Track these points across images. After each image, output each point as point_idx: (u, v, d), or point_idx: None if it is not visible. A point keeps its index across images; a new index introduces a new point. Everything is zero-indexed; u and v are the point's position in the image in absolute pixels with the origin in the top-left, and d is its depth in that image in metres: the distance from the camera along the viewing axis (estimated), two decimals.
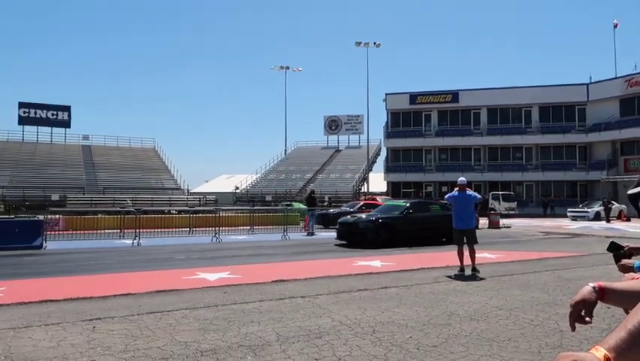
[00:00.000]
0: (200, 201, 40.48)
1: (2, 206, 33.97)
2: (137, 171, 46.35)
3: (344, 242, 14.88)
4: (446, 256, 10.30)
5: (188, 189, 44.88)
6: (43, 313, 5.72)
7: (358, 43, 44.26)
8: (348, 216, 16.77)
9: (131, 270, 9.49)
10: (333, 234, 19.05)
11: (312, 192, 23.33)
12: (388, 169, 45.88)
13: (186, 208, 30.89)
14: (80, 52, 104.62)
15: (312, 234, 19.17)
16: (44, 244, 13.47)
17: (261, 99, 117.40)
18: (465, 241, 8.94)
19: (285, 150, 59.06)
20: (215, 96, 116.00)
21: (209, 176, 68.00)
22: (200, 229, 18.65)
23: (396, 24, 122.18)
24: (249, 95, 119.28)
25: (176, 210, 29.90)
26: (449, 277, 8.49)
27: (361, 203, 25.90)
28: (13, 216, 18.13)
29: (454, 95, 44.84)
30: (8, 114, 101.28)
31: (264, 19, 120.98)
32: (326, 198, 38.91)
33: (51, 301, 6.31)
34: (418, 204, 16.84)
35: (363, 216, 15.86)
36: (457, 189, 9.18)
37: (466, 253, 8.87)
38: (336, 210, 24.57)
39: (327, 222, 22.64)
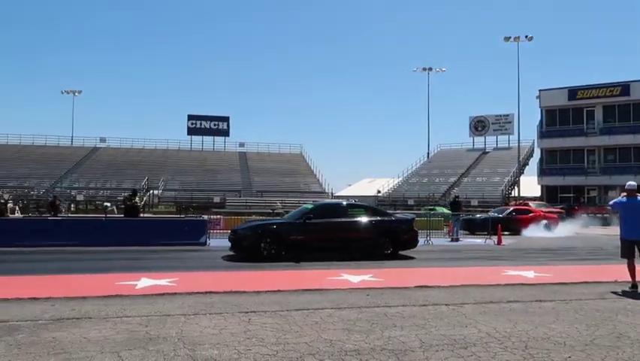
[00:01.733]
0: None
1: (174, 207, 38.87)
2: (286, 176, 49.37)
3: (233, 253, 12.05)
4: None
5: (332, 193, 46.46)
6: (207, 303, 6.40)
7: (507, 39, 41.63)
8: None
9: (280, 268, 10.13)
10: (479, 240, 18.15)
11: (457, 196, 22.50)
12: (542, 172, 42.23)
13: None
14: (236, 66, 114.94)
15: (457, 240, 18.47)
16: (208, 241, 15.06)
17: (404, 102, 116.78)
18: (637, 254, 7.83)
19: (428, 152, 57.92)
20: (358, 101, 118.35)
21: (351, 180, 69.57)
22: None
23: (547, 14, 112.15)
24: (392, 98, 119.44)
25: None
26: (618, 293, 7.52)
27: (511, 208, 24.23)
28: (183, 216, 20.57)
29: (624, 88, 39.59)
30: (179, 125, 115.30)
31: (404, 22, 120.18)
32: (472, 203, 37.17)
33: (214, 292, 7.03)
34: (327, 207, 13.30)
35: (253, 222, 13.39)
36: (626, 194, 8.07)
37: (639, 268, 7.76)
38: (483, 215, 23.33)
39: (473, 228, 21.64)
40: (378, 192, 46.71)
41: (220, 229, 18.59)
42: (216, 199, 39.22)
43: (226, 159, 54.00)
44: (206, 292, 7.02)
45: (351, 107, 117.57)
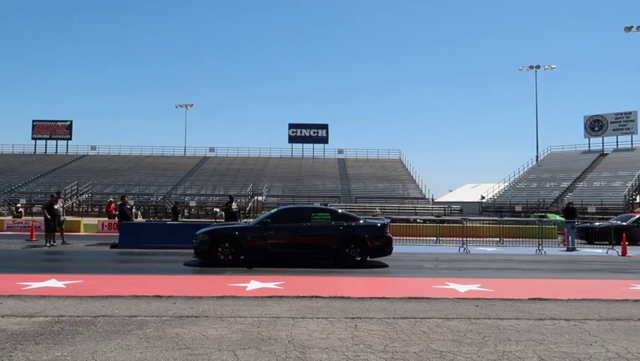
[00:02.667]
0: (445, 210, 40.38)
1: None
2: (384, 181, 49.06)
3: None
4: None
5: (432, 199, 45.31)
6: (314, 307, 6.53)
7: (628, 29, 37.79)
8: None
9: (383, 275, 10.06)
10: (599, 251, 16.61)
11: (571, 202, 20.79)
12: None
13: (432, 217, 31.19)
14: (335, 73, 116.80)
15: (573, 249, 17.05)
16: None
17: (509, 103, 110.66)
18: None
19: (537, 156, 54.30)
20: (458, 103, 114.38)
21: (453, 185, 67.54)
22: (447, 238, 18.58)
23: None
24: (496, 100, 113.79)
25: (421, 219, 30.47)
26: None
27: (637, 216, 21.89)
28: None
29: None
30: (281, 133, 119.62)
31: (508, 18, 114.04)
32: (589, 210, 34.13)
33: (320, 297, 7.16)
34: (288, 212, 12.61)
35: (211, 227, 12.46)
36: None
37: None
38: (604, 223, 21.30)
39: (591, 237, 19.89)
40: (482, 197, 44.64)
41: None
42: (316, 205, 40.05)
43: (326, 165, 55.03)
44: (312, 296, 7.17)
45: (452, 110, 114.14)
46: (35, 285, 7.89)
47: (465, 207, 41.66)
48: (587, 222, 22.88)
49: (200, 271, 10.30)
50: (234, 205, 18.75)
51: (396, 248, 15.70)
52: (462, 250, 15.84)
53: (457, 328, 5.52)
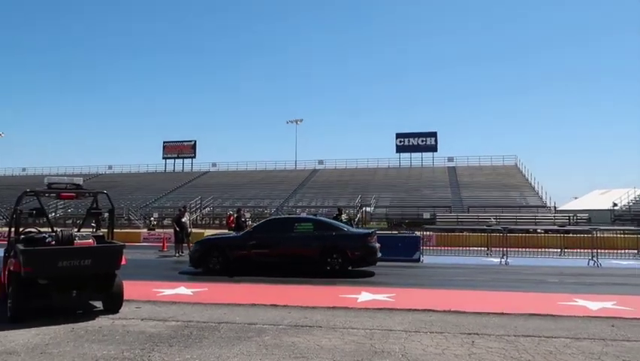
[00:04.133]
0: (569, 219, 37.08)
1: (386, 223, 40.07)
2: (499, 189, 46.44)
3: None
4: None
5: (555, 207, 41.85)
6: (427, 321, 6.38)
7: None
8: None
9: (501, 289, 9.50)
10: None
11: None
12: None
13: (554, 227, 28.84)
14: (446, 79, 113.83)
15: None
16: (421, 258, 15.06)
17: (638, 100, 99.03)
18: None
19: None
20: (583, 102, 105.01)
21: (578, 192, 61.82)
22: (573, 250, 17.03)
23: None
24: (624, 97, 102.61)
25: (542, 229, 28.33)
26: None
27: None
28: (397, 233, 21.03)
29: None
30: (389, 143, 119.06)
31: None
32: None
33: (433, 310, 6.97)
34: (273, 222, 13.06)
35: (207, 237, 12.73)
36: None
37: None
38: None
39: None
40: (614, 205, 40.25)
41: (432, 246, 18.46)
42: (426, 215, 39.06)
43: (435, 174, 53.53)
44: (425, 310, 7.00)
45: (574, 109, 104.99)
46: (167, 292, 8.68)
47: (593, 216, 37.85)
48: None
49: (309, 282, 10.57)
50: (344, 216, 19.03)
51: (514, 261, 14.85)
52: (591, 263, 14.42)
53: (590, 349, 5.04)
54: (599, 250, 15.14)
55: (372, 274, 11.62)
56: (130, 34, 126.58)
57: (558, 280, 11.19)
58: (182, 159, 65.24)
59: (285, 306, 7.31)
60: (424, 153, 57.88)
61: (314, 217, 14.26)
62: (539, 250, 17.46)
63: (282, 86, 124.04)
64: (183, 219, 17.33)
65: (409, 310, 7.06)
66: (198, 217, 42.79)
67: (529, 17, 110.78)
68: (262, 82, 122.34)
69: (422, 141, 57.83)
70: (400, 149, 58.32)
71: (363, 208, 41.17)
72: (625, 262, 15.30)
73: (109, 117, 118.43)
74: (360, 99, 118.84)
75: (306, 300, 7.83)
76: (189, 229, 17.64)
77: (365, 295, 8.26)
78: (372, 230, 13.10)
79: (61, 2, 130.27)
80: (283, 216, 18.34)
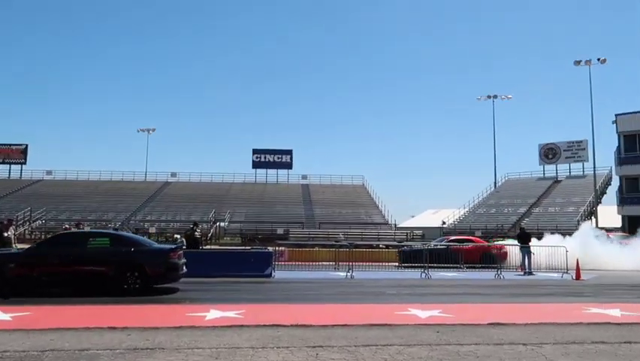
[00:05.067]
0: (407, 235, 40.84)
1: (240, 238, 39.79)
2: (348, 207, 49.32)
3: None
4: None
5: (395, 224, 45.77)
6: (274, 336, 6.41)
7: (578, 62, 40.09)
8: None
9: (346, 301, 10.01)
10: (555, 275, 17.06)
11: (522, 228, 21.44)
12: (623, 201, 39.60)
13: (394, 243, 31.50)
14: (301, 107, 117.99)
15: (530, 273, 17.50)
16: (273, 273, 15.21)
17: (467, 131, 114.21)
18: None
19: (495, 182, 55.97)
20: (421, 131, 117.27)
21: (414, 211, 68.28)
22: (409, 264, 18.71)
23: (620, 37, 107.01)
24: (455, 128, 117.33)
25: (384, 245, 30.74)
26: None
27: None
28: (249, 248, 20.98)
29: None
30: (245, 159, 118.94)
31: (465, 50, 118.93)
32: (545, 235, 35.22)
33: (281, 325, 7.03)
34: (63, 237, 12.33)
35: None
36: None
37: None
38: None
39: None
40: (443, 223, 45.47)
41: (284, 261, 18.78)
42: (280, 231, 39.77)
43: (289, 191, 54.90)
44: (273, 325, 7.03)
45: (413, 137, 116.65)
46: None
47: (427, 233, 42.24)
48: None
49: (157, 300, 9.97)
50: (198, 232, 18.40)
51: (359, 274, 15.80)
52: (423, 275, 15.99)
53: (419, 354, 5.52)
54: (429, 264, 16.82)
55: (175, 291, 11.30)
56: None
57: (395, 291, 12.17)
58: (8, 165, 57.27)
59: (124, 328, 6.74)
60: (279, 170, 59.04)
61: (110, 232, 13.49)
62: (381, 264, 18.86)
63: (132, 90, 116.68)
64: (6, 234, 15.11)
65: (258, 326, 7.03)
66: (27, 231, 37.82)
67: (381, 40, 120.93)
68: (110, 85, 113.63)
69: (278, 157, 58.97)
70: (257, 165, 58.72)
71: (217, 223, 40.36)
72: (450, 274, 17.23)
73: None
74: (217, 112, 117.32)
75: (149, 320, 7.35)
76: (14, 245, 15.43)
77: (213, 313, 8.02)
78: (177, 245, 12.74)
79: None
80: (74, 231, 16.43)
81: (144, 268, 10.65)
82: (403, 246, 22.92)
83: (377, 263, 18.88)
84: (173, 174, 58.44)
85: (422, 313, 8.27)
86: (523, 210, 45.45)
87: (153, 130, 63.63)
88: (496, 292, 12.49)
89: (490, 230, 40.36)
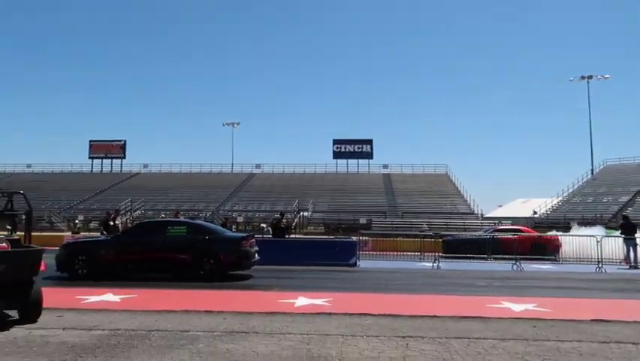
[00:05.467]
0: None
1: (323, 228, 40.39)
2: (431, 197, 48.22)
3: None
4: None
5: (482, 214, 44.04)
6: (363, 324, 6.43)
7: None
8: None
9: (434, 292, 9.81)
10: None
11: (625, 216, 19.64)
12: None
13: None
14: (383, 88, 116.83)
15: (636, 267, 16.07)
16: (358, 262, 15.27)
17: (559, 115, 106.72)
18: None
19: (592, 169, 51.88)
20: (509, 116, 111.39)
21: (502, 200, 65.13)
22: (499, 255, 17.91)
23: None
24: (545, 112, 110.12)
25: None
26: None
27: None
28: (334, 238, 21.23)
29: None
30: (326, 149, 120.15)
31: (558, 28, 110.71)
32: None
33: (369, 314, 7.04)
34: (146, 225, 13.00)
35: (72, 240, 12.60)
36: None
37: None
38: None
39: None
40: (534, 213, 42.99)
41: (368, 251, 18.76)
42: (362, 221, 39.77)
43: (371, 180, 54.70)
44: (361, 314, 7.06)
45: (500, 123, 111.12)
46: (93, 299, 8.20)
47: (516, 223, 40.19)
48: None
49: (247, 286, 10.41)
50: (284, 222, 18.99)
51: (446, 265, 15.41)
52: (515, 267, 15.25)
53: (515, 349, 5.28)
54: (521, 256, 16.02)
55: (249, 277, 11.63)
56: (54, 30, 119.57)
57: (486, 283, 11.72)
58: (110, 160, 62.28)
59: (220, 312, 7.11)
60: (360, 160, 59.00)
61: (187, 220, 14.14)
62: (469, 255, 18.22)
63: (218, 87, 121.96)
64: (116, 222, 16.46)
65: (346, 314, 7.09)
66: (128, 220, 41.01)
67: (458, 25, 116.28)
68: (197, 82, 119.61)
69: (358, 147, 58.93)
70: (337, 155, 59.07)
71: (301, 213, 41.20)
72: (545, 266, 16.30)
73: (28, 115, 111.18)
74: (299, 104, 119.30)
75: (243, 305, 7.67)
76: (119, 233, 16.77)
77: (302, 300, 8.22)
78: (248, 234, 13.24)
79: None
80: (155, 219, 18.35)
81: (218, 256, 11.14)
82: (448, 235, 22.04)
83: (464, 254, 18.25)
84: (258, 166, 60.50)
85: (516, 306, 7.90)
86: (625, 198, 41.76)
87: (238, 124, 66.28)
88: (596, 286, 11.61)
89: (587, 220, 37.57)
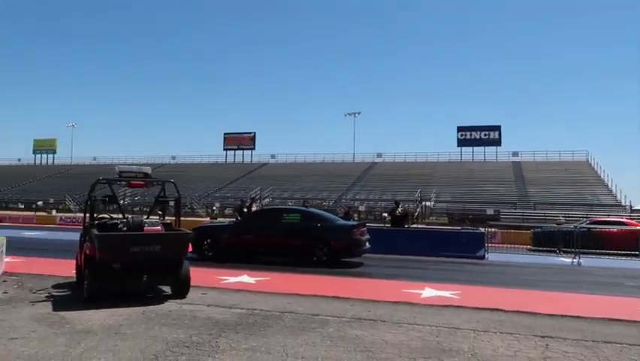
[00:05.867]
0: None
1: (447, 218, 39.16)
2: (568, 186, 44.12)
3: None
4: None
5: (630, 206, 39.23)
6: (496, 320, 6.11)
7: None
8: None
9: (575, 291, 8.96)
10: None
11: None
12: None
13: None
14: (511, 72, 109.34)
15: None
16: (486, 255, 14.54)
17: None
18: None
19: None
20: None
21: None
22: (594, 250, 15.79)
23: None
24: None
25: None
26: None
27: None
28: (459, 228, 20.47)
29: None
30: (449, 137, 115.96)
31: None
32: None
33: (501, 310, 6.67)
34: (263, 212, 14.65)
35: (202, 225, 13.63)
36: None
37: None
38: None
39: None
40: None
41: (497, 243, 17.74)
42: (489, 211, 37.74)
43: (498, 169, 51.62)
44: (494, 309, 6.72)
45: None
46: (231, 279, 8.88)
47: None
48: None
49: (376, 274, 10.47)
50: (399, 210, 18.83)
51: (587, 261, 13.96)
52: None
53: None
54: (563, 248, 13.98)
55: (359, 265, 11.84)
56: (199, 40, 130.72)
57: (635, 283, 10.42)
58: (242, 151, 66.67)
59: (347, 298, 7.26)
60: (486, 148, 55.95)
61: (301, 208, 14.55)
62: (613, 251, 16.35)
63: (339, 78, 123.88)
64: (252, 209, 17.62)
65: (476, 308, 6.80)
66: (258, 208, 43.68)
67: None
68: (318, 75, 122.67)
69: (485, 134, 55.95)
70: (462, 142, 56.71)
71: (423, 203, 40.40)
72: None
73: (172, 114, 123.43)
74: (420, 92, 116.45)
75: (369, 293, 7.74)
76: None
77: (429, 291, 8.07)
78: (359, 222, 13.26)
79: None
80: (272, 207, 19.55)
81: (329, 242, 11.48)
82: (538, 227, 19.69)
83: (608, 250, 16.35)
84: (379, 155, 60.46)
85: None
86: None
87: (359, 113, 66.76)
88: None
89: None
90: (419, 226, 30.77)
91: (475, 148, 56.48)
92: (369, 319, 6.02)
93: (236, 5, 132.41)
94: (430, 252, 14.27)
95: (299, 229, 11.80)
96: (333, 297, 7.34)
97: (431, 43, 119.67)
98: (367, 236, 12.19)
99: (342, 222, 13.25)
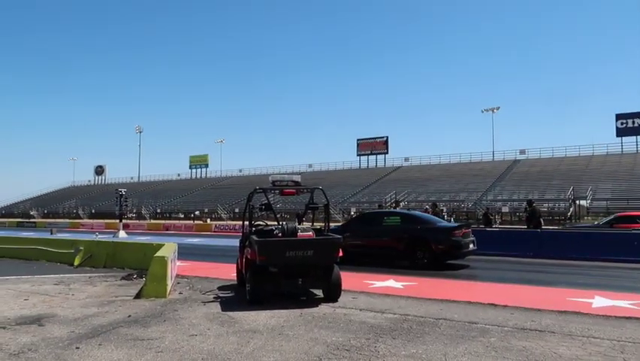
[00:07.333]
0: None
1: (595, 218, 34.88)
2: None
3: None
4: None
5: None
6: None
7: None
8: None
9: None
10: None
11: None
12: None
13: None
14: None
15: None
16: None
17: None
18: None
19: None
20: None
21: None
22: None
23: None
24: None
25: None
26: None
27: None
28: (630, 230, 18.13)
29: None
30: (606, 127, 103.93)
31: None
32: None
33: None
34: (366, 216, 14.40)
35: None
36: None
37: None
38: None
39: None
40: None
41: None
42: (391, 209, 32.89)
43: None
44: None
45: None
46: (378, 284, 8.90)
47: None
48: None
49: (530, 281, 9.68)
50: (529, 210, 17.74)
51: None
52: None
53: None
54: None
55: (465, 267, 11.68)
56: (324, 47, 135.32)
57: None
58: (375, 155, 67.06)
59: (505, 306, 6.79)
60: None
61: (401, 211, 14.49)
62: None
63: (475, 73, 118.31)
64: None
65: None
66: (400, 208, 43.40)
67: None
68: (452, 70, 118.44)
69: None
70: (622, 132, 50.39)
71: (577, 202, 36.63)
72: None
73: (307, 125, 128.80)
74: (563, 84, 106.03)
75: (527, 301, 7.15)
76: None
77: (599, 300, 7.21)
78: (462, 224, 13.05)
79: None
80: (374, 211, 20.00)
81: (430, 245, 11.37)
82: None
83: None
84: (522, 152, 56.38)
85: None
86: None
87: (497, 109, 63.00)
88: None
89: None
90: (550, 227, 27.87)
91: (639, 137, 49.75)
92: (534, 329, 5.55)
93: (375, 10, 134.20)
94: (593, 255, 12.89)
95: (399, 232, 11.95)
96: (489, 304, 6.92)
97: (573, 34, 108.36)
98: (472, 238, 11.97)
99: (443, 224, 13.16)
